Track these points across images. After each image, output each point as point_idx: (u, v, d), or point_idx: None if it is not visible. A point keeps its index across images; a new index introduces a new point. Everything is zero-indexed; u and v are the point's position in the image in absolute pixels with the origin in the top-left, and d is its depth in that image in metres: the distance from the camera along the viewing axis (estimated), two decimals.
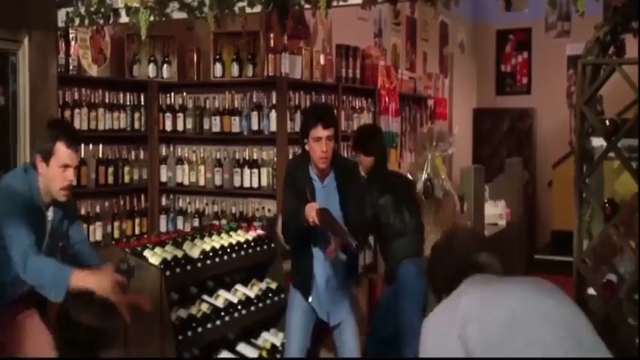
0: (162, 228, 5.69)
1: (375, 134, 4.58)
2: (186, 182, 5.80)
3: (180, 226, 5.68)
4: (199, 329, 3.56)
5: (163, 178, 5.86)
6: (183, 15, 3.78)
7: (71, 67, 5.07)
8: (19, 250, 2.94)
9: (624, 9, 3.53)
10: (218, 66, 5.71)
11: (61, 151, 3.06)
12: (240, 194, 5.63)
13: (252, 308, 3.97)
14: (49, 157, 3.06)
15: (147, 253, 3.55)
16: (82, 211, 5.19)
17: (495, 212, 5.84)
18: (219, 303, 3.77)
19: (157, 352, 3.32)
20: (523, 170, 7.53)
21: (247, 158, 5.57)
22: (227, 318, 3.76)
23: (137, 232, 5.54)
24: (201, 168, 5.73)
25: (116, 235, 5.36)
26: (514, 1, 3.31)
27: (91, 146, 5.28)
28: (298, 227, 3.60)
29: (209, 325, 3.63)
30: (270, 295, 4.13)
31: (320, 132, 3.59)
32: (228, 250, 3.90)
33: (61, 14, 4.19)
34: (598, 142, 3.68)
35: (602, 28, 3.57)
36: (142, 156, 5.75)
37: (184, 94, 5.80)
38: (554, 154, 9.15)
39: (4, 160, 4.02)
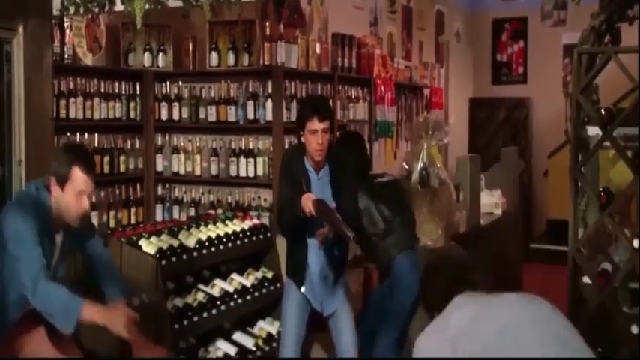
0: (158, 217, 5.68)
1: (353, 140, 4.54)
2: (182, 172, 5.79)
3: (176, 215, 5.67)
4: (195, 318, 3.57)
5: (159, 168, 5.85)
6: (178, 3, 3.77)
7: (66, 56, 5.06)
8: (30, 273, 2.87)
9: None
10: (214, 55, 5.69)
11: (78, 177, 2.99)
12: (236, 184, 5.62)
13: (248, 297, 3.98)
14: (64, 182, 2.98)
15: (142, 242, 3.55)
16: None
17: (491, 201, 5.84)
18: (215, 292, 3.78)
19: (153, 341, 3.33)
20: (519, 160, 7.53)
21: (243, 148, 5.56)
22: (223, 307, 3.76)
23: (133, 221, 5.54)
24: (197, 157, 5.73)
25: (112, 224, 5.35)
26: None
27: (86, 136, 5.27)
28: (294, 217, 3.60)
29: (205, 314, 3.64)
30: (266, 284, 4.14)
31: (316, 125, 3.59)
32: (224, 239, 3.90)
33: (56, 2, 4.17)
34: (593, 131, 3.69)
35: (598, 17, 3.57)
36: (137, 145, 5.74)
37: (180, 83, 5.78)
38: (550, 144, 9.16)
39: None
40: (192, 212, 5.59)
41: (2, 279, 3.01)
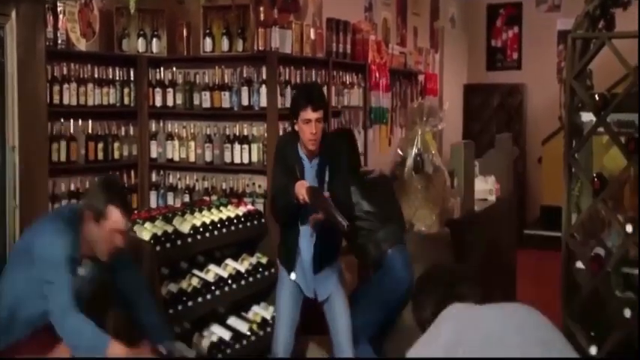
0: (153, 204, 5.68)
1: (344, 137, 4.54)
2: (176, 158, 5.77)
3: (170, 202, 5.67)
4: (190, 303, 3.58)
5: (153, 154, 5.84)
6: None
7: (59, 42, 5.03)
8: (59, 302, 2.88)
9: None
10: (208, 40, 5.67)
11: (115, 216, 3.00)
12: (230, 170, 5.61)
13: (243, 282, 3.99)
14: (100, 218, 2.99)
15: (137, 228, 3.55)
16: (72, 187, 5.19)
17: (485, 188, 5.84)
18: (210, 277, 3.79)
19: None
20: (513, 146, 7.54)
21: (237, 134, 5.55)
22: (217, 292, 3.77)
23: None
24: (192, 144, 5.71)
25: None
26: None
27: (80, 122, 5.25)
28: (287, 204, 3.61)
29: (199, 299, 3.65)
30: (260, 269, 4.15)
31: (309, 114, 3.59)
32: (219, 225, 3.91)
33: None
34: (587, 117, 3.70)
35: (592, 2, 3.57)
36: (131, 132, 5.72)
37: (174, 69, 5.76)
38: (544, 130, 9.18)
39: None
40: (186, 199, 5.58)
41: (14, 293, 3.00)
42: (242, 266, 4.05)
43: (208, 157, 5.64)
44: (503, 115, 9.91)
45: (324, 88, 5.96)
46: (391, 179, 4.57)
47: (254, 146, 5.48)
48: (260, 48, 5.52)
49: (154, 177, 5.86)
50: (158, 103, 5.75)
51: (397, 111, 7.61)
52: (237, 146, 5.52)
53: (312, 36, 6.10)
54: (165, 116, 5.82)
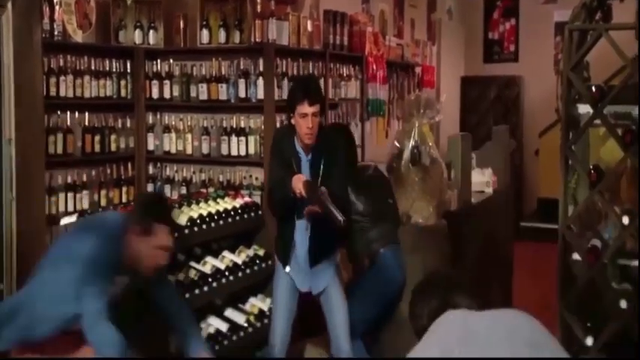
0: None
1: (340, 133, 4.53)
2: (173, 150, 5.77)
3: (167, 194, 5.67)
4: (187, 295, 3.58)
5: (150, 147, 5.83)
6: None
7: (56, 33, 5.01)
8: (93, 308, 2.87)
9: None
10: (205, 32, 5.66)
11: (162, 235, 3.00)
12: (227, 162, 5.61)
13: (240, 274, 3.99)
14: (146, 235, 2.99)
15: None
16: (69, 180, 5.18)
17: (482, 180, 5.84)
18: (207, 269, 3.79)
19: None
20: (510, 139, 7.55)
21: (234, 126, 5.55)
22: (214, 284, 3.77)
23: (124, 200, 5.53)
24: (189, 136, 5.71)
25: (103, 203, 5.34)
26: None
27: (77, 114, 5.25)
28: (284, 197, 3.62)
29: (197, 291, 3.65)
30: (257, 261, 4.15)
31: (306, 108, 3.59)
32: (216, 217, 3.91)
33: None
34: (584, 108, 3.70)
35: None
36: (128, 124, 5.71)
37: (171, 61, 5.75)
38: (541, 123, 9.19)
39: None
40: (183, 191, 5.58)
41: (44, 293, 2.98)
42: (239, 258, 4.06)
43: (205, 150, 5.64)
44: (500, 107, 9.91)
45: (321, 80, 5.96)
46: (386, 176, 4.56)
47: (251, 138, 5.48)
48: (257, 40, 5.51)
49: (150, 169, 5.86)
50: (155, 95, 5.74)
51: (394, 103, 7.61)
52: (234, 138, 5.52)
53: (309, 28, 6.09)
54: (162, 108, 5.82)
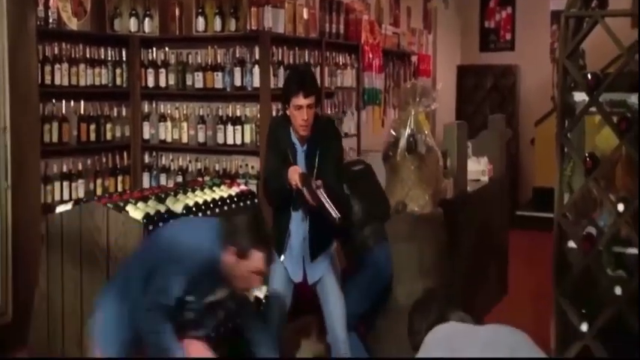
0: (146, 185, 5.68)
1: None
2: (169, 139, 5.78)
3: (163, 183, 5.67)
4: None
5: (146, 135, 5.83)
6: None
7: (51, 21, 5.00)
8: (153, 301, 2.91)
9: None
10: (200, 20, 5.65)
11: (257, 260, 2.98)
12: (223, 151, 5.62)
13: None
14: (242, 257, 2.97)
15: (129, 207, 3.54)
16: (64, 169, 5.18)
17: (478, 168, 5.84)
18: None
19: None
20: (506, 128, 7.55)
21: (230, 115, 5.55)
22: None
23: (120, 189, 5.53)
24: (184, 125, 5.71)
25: (99, 192, 5.34)
26: None
27: (72, 103, 5.24)
28: (280, 188, 3.61)
29: None
30: None
31: (301, 100, 3.57)
32: (211, 205, 3.90)
33: None
34: (580, 96, 3.70)
35: None
36: (124, 113, 5.71)
37: (166, 49, 5.74)
38: (537, 112, 9.18)
39: None
40: (179, 180, 5.59)
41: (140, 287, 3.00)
42: None
43: (201, 138, 5.64)
44: (496, 96, 9.90)
45: (317, 69, 5.95)
46: (373, 170, 4.57)
47: (247, 127, 5.48)
48: (253, 28, 5.50)
49: (146, 158, 5.86)
50: (150, 83, 5.74)
51: (390, 92, 7.60)
52: (229, 127, 5.52)
53: (305, 16, 6.08)
54: (157, 97, 5.81)
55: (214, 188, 4.14)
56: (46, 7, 4.94)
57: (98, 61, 5.40)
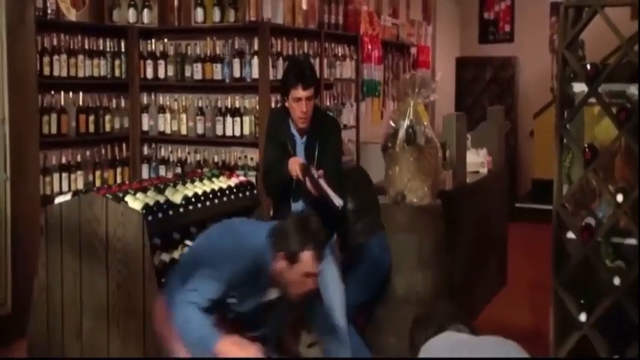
0: (145, 177, 5.68)
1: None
2: (168, 131, 5.77)
3: (162, 175, 5.67)
4: None
5: (145, 127, 5.83)
6: None
7: (49, 11, 4.99)
8: (200, 287, 2.83)
9: None
10: (199, 11, 5.64)
11: (308, 262, 2.86)
12: (222, 143, 5.62)
13: None
14: (292, 262, 2.86)
15: (128, 198, 3.53)
16: (63, 160, 5.17)
17: (477, 160, 5.84)
18: None
19: (140, 296, 3.35)
20: (505, 120, 7.55)
21: (229, 106, 5.54)
22: None
23: (119, 181, 5.54)
24: (183, 116, 5.71)
25: (98, 184, 5.34)
26: None
27: (71, 94, 5.23)
28: (280, 179, 3.61)
29: None
30: None
31: (300, 93, 3.57)
32: (211, 195, 3.90)
33: None
34: (579, 87, 3.69)
35: None
36: (123, 104, 5.71)
37: (165, 40, 5.73)
38: (536, 104, 9.18)
39: None
40: (178, 172, 5.58)
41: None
42: None
43: (200, 130, 5.64)
44: (495, 88, 9.89)
45: (316, 60, 5.94)
46: (363, 168, 4.59)
47: (246, 119, 5.48)
48: (252, 18, 5.49)
49: (145, 150, 5.86)
50: (149, 75, 5.73)
51: (389, 84, 7.59)
52: (229, 119, 5.52)
53: (304, 6, 6.07)
54: (156, 88, 5.81)
55: (213, 179, 4.14)
56: None
57: (97, 52, 5.39)
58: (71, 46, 5.17)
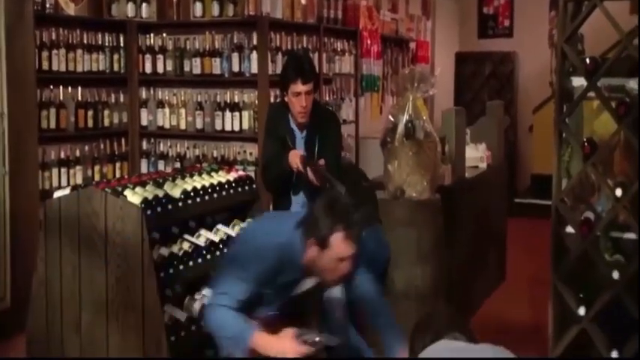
0: (144, 172, 5.67)
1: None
2: (167, 126, 5.77)
3: (161, 169, 5.66)
4: (181, 267, 3.58)
5: (144, 122, 5.82)
6: None
7: (48, 6, 4.98)
8: (228, 289, 2.80)
9: None
10: (198, 5, 5.63)
11: (339, 245, 2.71)
12: (221, 138, 5.61)
13: None
14: (323, 247, 2.71)
15: (127, 192, 3.53)
16: (62, 155, 5.17)
17: (476, 155, 5.84)
18: (201, 242, 3.78)
19: (139, 290, 3.35)
20: (504, 115, 7.54)
21: (228, 101, 5.54)
22: (209, 256, 3.77)
23: (118, 176, 5.53)
24: (182, 111, 5.70)
25: (97, 179, 5.34)
26: None
27: (69, 89, 5.22)
28: (281, 173, 3.61)
29: (191, 263, 3.65)
30: None
31: (299, 87, 3.57)
32: (210, 189, 3.90)
33: None
34: (578, 81, 3.69)
35: None
36: (121, 99, 5.70)
37: (164, 34, 5.72)
38: (535, 99, 9.17)
39: None
40: (177, 166, 5.58)
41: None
42: (233, 231, 4.05)
43: (199, 125, 5.63)
44: (494, 83, 9.88)
45: (315, 55, 5.93)
46: (359, 167, 4.59)
47: (245, 113, 5.47)
48: (251, 13, 5.48)
49: (144, 145, 5.85)
50: (148, 69, 5.73)
51: (388, 79, 7.58)
52: (228, 114, 5.52)
53: (303, 1, 6.06)
54: (155, 83, 5.80)
55: (212, 173, 4.13)
56: None
57: (95, 46, 5.38)
58: (70, 41, 5.16)
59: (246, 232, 3.15)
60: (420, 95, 4.54)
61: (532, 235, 6.70)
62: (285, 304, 2.97)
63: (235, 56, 5.45)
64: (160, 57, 5.69)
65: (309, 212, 2.84)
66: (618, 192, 3.41)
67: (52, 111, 5.06)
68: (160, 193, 3.62)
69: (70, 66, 5.16)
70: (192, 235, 3.85)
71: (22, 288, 4.33)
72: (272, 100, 5.30)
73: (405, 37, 8.15)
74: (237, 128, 5.50)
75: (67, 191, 3.72)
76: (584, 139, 3.57)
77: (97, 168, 5.44)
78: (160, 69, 5.71)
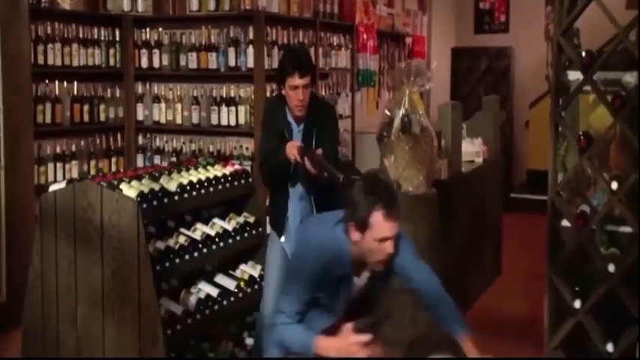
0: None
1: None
2: (163, 121, 5.76)
3: (157, 163, 5.65)
4: (177, 260, 3.58)
5: (140, 117, 5.81)
6: None
7: (43, 0, 4.96)
8: (283, 306, 2.84)
9: None
10: None
11: (380, 224, 2.65)
12: (217, 132, 5.60)
13: (230, 241, 3.99)
14: (364, 228, 2.67)
15: (123, 186, 3.52)
16: (58, 150, 5.16)
17: (472, 150, 5.85)
18: (197, 235, 3.78)
19: (135, 283, 3.35)
20: (500, 110, 7.54)
21: (224, 96, 5.53)
22: (205, 250, 3.77)
23: (114, 170, 5.51)
24: (178, 106, 5.69)
25: (92, 173, 5.33)
26: None
27: (65, 83, 5.21)
28: (278, 165, 3.61)
29: (187, 257, 3.65)
30: (247, 228, 4.15)
31: (297, 81, 3.56)
32: (206, 183, 3.89)
33: None
34: (574, 75, 3.70)
35: None
36: (117, 94, 5.69)
37: (160, 29, 5.71)
38: (531, 94, 9.18)
39: None
40: (173, 161, 5.57)
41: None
42: (229, 225, 4.05)
43: (195, 120, 5.62)
44: (490, 78, 9.88)
45: (312, 50, 5.93)
46: (354, 166, 4.59)
47: (241, 108, 5.46)
48: (247, 7, 5.47)
49: (140, 140, 5.84)
50: (144, 64, 5.71)
51: (384, 74, 7.58)
52: (224, 108, 5.51)
53: None
54: (151, 78, 5.79)
55: (209, 167, 4.13)
56: None
57: (91, 41, 5.37)
58: (65, 35, 5.15)
59: (295, 244, 3.20)
60: (417, 89, 4.55)
61: (528, 229, 6.71)
62: (346, 308, 2.98)
63: (231, 51, 5.44)
64: (156, 51, 5.68)
65: (348, 199, 2.78)
66: (614, 185, 3.43)
67: (48, 105, 5.04)
68: (156, 187, 3.61)
69: (66, 60, 5.15)
70: (188, 228, 3.85)
71: (17, 282, 4.33)
72: (268, 94, 5.29)
73: (402, 32, 8.15)
74: (233, 123, 5.49)
75: (62, 185, 3.72)
76: (580, 133, 3.58)
77: (92, 163, 5.42)
78: (156, 63, 5.69)
